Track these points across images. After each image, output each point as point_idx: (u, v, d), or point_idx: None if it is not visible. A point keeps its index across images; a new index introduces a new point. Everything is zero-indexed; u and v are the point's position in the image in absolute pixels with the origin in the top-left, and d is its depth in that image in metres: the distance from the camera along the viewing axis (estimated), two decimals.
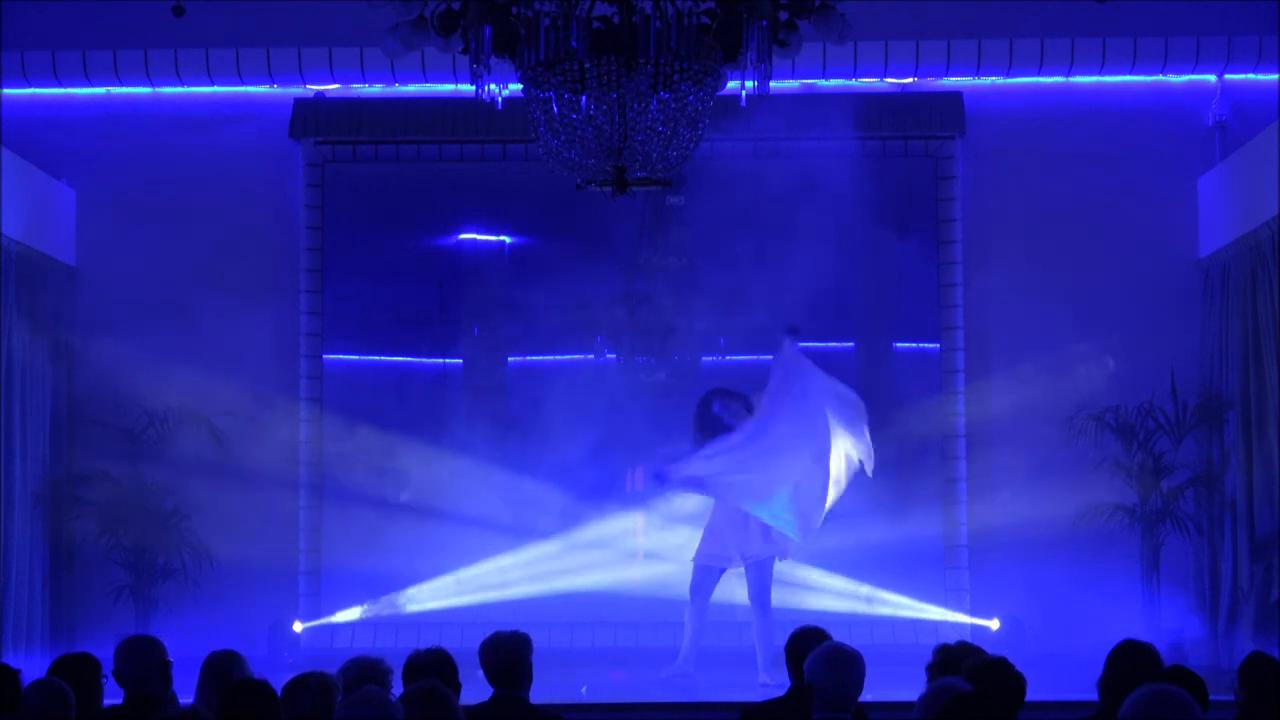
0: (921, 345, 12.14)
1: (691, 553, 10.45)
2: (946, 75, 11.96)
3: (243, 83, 11.98)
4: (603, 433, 11.44)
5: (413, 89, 12.10)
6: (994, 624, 11.44)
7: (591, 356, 11.82)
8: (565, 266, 11.67)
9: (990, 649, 6.08)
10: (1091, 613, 11.02)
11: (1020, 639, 11.05)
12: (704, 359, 11.87)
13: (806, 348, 11.22)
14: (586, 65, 6.17)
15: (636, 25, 6.16)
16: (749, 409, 10.27)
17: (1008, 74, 11.92)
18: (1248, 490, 11.08)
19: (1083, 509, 11.40)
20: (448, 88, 11.75)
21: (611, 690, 10.32)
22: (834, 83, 11.89)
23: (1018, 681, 5.34)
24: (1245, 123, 11.65)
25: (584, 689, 10.07)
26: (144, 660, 5.91)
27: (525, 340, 12.03)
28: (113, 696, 5.94)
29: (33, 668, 7.08)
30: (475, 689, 5.92)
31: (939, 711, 4.70)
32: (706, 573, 10.32)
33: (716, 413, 10.36)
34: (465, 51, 6.33)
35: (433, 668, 5.71)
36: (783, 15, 6.31)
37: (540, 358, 12.00)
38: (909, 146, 12.13)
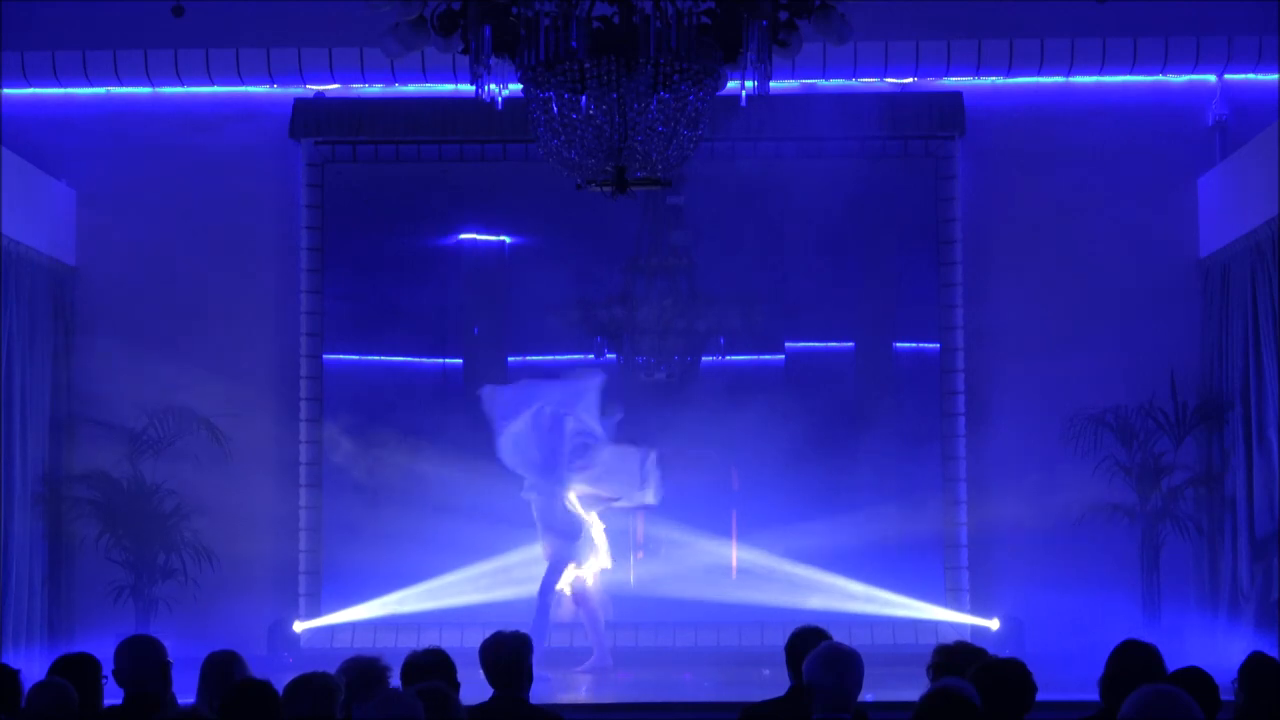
0: (921, 345, 12.13)
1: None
2: (946, 75, 11.95)
3: (243, 83, 11.98)
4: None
5: (413, 89, 12.10)
6: (994, 624, 11.43)
7: (591, 356, 11.80)
8: (565, 266, 11.68)
9: (990, 649, 6.07)
10: (1091, 612, 11.02)
11: (1020, 639, 11.05)
12: (704, 359, 11.85)
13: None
14: (586, 65, 6.16)
15: (636, 25, 6.16)
16: None
17: (1008, 74, 11.91)
18: (1248, 490, 11.08)
19: (1083, 509, 11.41)
20: (448, 88, 11.74)
21: (612, 690, 10.32)
22: (834, 83, 11.88)
23: (1024, 684, 5.28)
24: (1245, 123, 11.65)
25: (584, 689, 10.07)
26: (144, 660, 5.90)
27: (525, 340, 12.04)
28: (113, 696, 5.94)
29: (33, 668, 7.08)
30: (475, 689, 5.92)
31: (922, 710, 4.67)
32: None
33: None
34: (465, 51, 6.32)
35: (432, 668, 5.69)
36: (783, 15, 6.31)
37: (540, 358, 12.00)
38: (909, 146, 12.12)
